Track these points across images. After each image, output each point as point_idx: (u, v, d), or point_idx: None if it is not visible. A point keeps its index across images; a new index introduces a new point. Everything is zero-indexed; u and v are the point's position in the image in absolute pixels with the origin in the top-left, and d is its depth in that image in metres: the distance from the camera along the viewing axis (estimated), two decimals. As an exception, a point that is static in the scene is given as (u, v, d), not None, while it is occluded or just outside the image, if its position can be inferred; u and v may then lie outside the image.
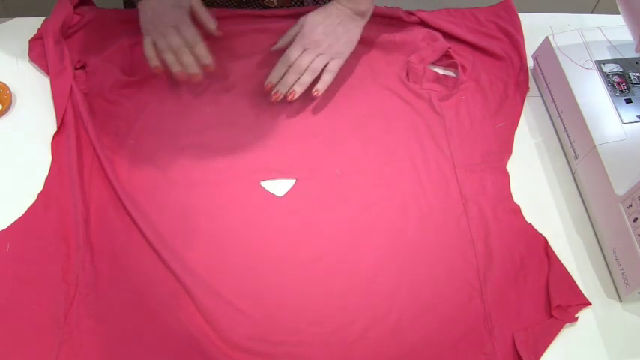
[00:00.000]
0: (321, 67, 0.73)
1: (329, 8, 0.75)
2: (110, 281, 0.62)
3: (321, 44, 0.73)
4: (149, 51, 0.71)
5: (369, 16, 0.77)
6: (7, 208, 0.65)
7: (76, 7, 0.80)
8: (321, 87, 0.73)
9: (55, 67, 0.74)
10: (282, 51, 0.74)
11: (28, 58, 0.77)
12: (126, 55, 0.77)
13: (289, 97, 0.72)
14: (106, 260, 0.63)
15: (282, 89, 0.72)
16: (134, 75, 0.76)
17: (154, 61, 0.71)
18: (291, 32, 0.75)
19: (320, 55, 0.73)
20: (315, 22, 0.74)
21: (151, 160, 0.70)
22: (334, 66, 0.74)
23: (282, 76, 0.73)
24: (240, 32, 0.81)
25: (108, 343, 0.59)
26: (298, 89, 0.72)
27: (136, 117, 0.73)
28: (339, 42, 0.74)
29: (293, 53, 0.73)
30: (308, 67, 0.72)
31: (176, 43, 0.70)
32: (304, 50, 0.73)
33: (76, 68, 0.73)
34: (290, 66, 0.72)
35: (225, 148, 0.72)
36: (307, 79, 0.73)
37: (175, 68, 0.71)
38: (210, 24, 0.73)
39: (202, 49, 0.71)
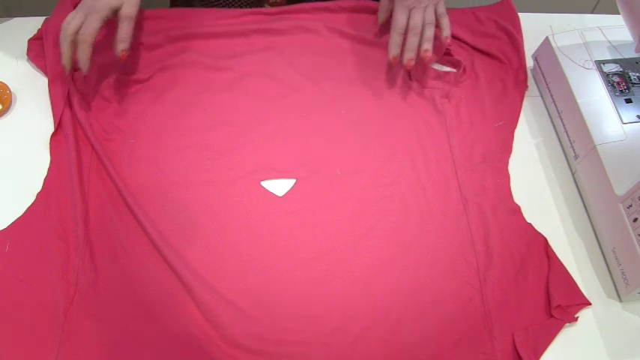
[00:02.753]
0: (434, 17, 0.75)
1: None
2: (110, 281, 0.62)
3: None
4: (65, 29, 0.69)
5: None
6: (6, 208, 0.65)
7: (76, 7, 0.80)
8: (447, 32, 0.76)
9: (53, 68, 0.74)
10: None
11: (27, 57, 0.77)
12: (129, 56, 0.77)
13: (426, 58, 0.73)
14: (105, 260, 0.63)
15: (411, 55, 0.73)
16: (135, 73, 0.76)
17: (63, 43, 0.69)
18: (383, 4, 0.78)
19: (426, 6, 0.74)
20: None
21: (150, 159, 0.70)
22: (442, 8, 0.76)
23: (403, 43, 0.74)
24: (241, 32, 0.81)
25: (108, 342, 0.59)
26: (428, 46, 0.73)
27: (135, 116, 0.73)
28: None
29: (401, 18, 0.74)
30: (423, 22, 0.74)
31: (72, 27, 0.68)
32: (410, 10, 0.74)
33: (75, 69, 0.73)
34: (405, 31, 0.74)
35: (225, 147, 0.72)
36: (430, 33, 0.74)
37: (64, 60, 0.69)
38: (119, 44, 0.70)
39: (82, 52, 0.68)
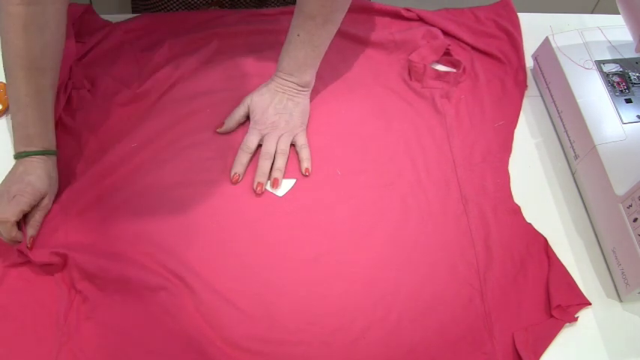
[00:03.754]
0: (288, 147, 0.71)
1: (271, 87, 0.72)
2: (109, 283, 0.61)
3: (278, 124, 0.71)
4: None
5: (312, 85, 0.73)
6: (7, 208, 0.65)
7: (80, 16, 0.80)
8: (308, 164, 0.70)
9: None
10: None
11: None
12: (133, 65, 0.77)
13: (272, 186, 0.68)
14: (105, 261, 0.63)
15: (262, 179, 0.68)
16: (141, 83, 0.75)
17: None
18: (236, 114, 0.72)
19: (282, 135, 0.71)
20: (264, 105, 0.71)
21: (151, 160, 0.70)
22: (302, 139, 0.71)
23: (246, 165, 0.69)
24: (240, 32, 0.81)
25: (108, 344, 0.59)
26: (279, 175, 0.69)
27: (138, 123, 0.72)
28: (294, 116, 0.72)
29: (252, 140, 0.70)
30: (276, 150, 0.70)
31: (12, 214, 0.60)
32: (263, 135, 0.71)
33: (80, 88, 0.74)
34: (253, 154, 0.70)
35: (226, 147, 0.72)
36: (282, 162, 0.70)
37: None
38: (30, 230, 0.62)
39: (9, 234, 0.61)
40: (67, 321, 0.59)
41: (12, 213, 0.60)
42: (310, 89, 0.74)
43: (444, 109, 0.77)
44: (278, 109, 0.72)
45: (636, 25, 0.70)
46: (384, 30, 0.83)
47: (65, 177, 0.68)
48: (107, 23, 0.81)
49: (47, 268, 0.62)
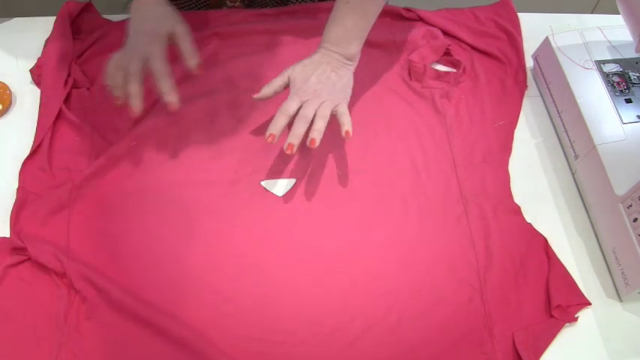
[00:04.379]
0: (329, 114, 0.67)
1: (315, 58, 0.69)
2: (109, 282, 0.61)
3: (320, 93, 0.67)
4: (110, 67, 0.67)
5: (357, 60, 0.71)
6: (6, 209, 0.65)
7: (78, 15, 0.80)
8: (349, 127, 0.66)
9: (47, 91, 0.73)
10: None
11: (28, 58, 0.77)
12: None
13: (310, 145, 0.65)
14: (104, 261, 0.63)
15: (294, 140, 0.64)
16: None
17: (107, 80, 0.67)
18: (275, 83, 0.69)
19: (323, 102, 0.67)
20: (307, 74, 0.68)
21: (151, 160, 0.70)
22: (344, 108, 0.68)
23: (281, 128, 0.66)
24: (240, 32, 0.81)
25: (108, 344, 0.59)
26: (318, 136, 0.65)
27: (138, 123, 0.72)
28: (336, 88, 0.68)
29: (292, 105, 0.66)
30: (316, 114, 0.66)
31: (133, 68, 0.65)
32: (303, 102, 0.67)
33: (80, 87, 0.74)
34: (290, 119, 0.66)
35: (226, 147, 0.72)
36: (322, 125, 0.65)
37: (115, 92, 0.67)
38: (192, 59, 0.68)
39: (166, 85, 0.65)
40: (67, 321, 0.59)
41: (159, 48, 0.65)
42: (355, 64, 0.71)
43: (444, 109, 0.77)
44: (321, 79, 0.68)
45: (636, 25, 0.70)
46: (384, 30, 0.83)
47: (67, 173, 0.68)
48: (107, 22, 0.81)
49: (47, 269, 0.61)
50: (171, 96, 0.66)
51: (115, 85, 0.67)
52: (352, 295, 0.63)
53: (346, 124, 0.66)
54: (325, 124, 0.66)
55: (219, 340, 0.59)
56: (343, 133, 0.66)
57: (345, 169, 0.71)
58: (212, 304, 0.61)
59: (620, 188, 0.64)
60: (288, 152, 0.64)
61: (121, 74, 0.66)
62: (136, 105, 0.66)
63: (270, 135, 0.65)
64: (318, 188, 0.70)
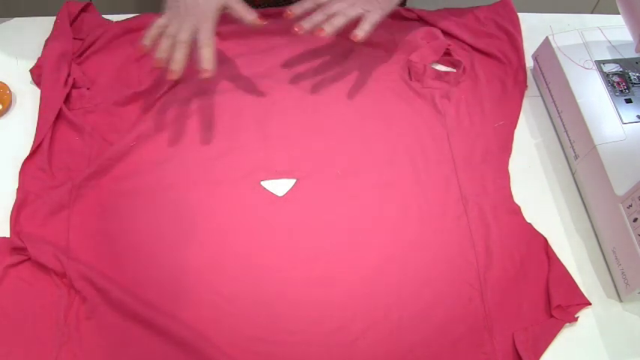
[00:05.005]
0: (355, 15, 0.66)
1: None
2: (109, 282, 0.61)
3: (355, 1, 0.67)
4: (154, 30, 0.66)
5: None
6: (6, 209, 0.65)
7: (78, 15, 0.80)
8: (361, 33, 0.66)
9: (47, 92, 0.73)
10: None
11: (28, 58, 0.77)
12: (133, 69, 0.77)
13: (316, 33, 0.65)
14: (105, 261, 0.63)
15: (306, 25, 0.65)
16: (140, 86, 0.75)
17: (147, 40, 0.66)
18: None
19: (355, 4, 0.66)
20: None
21: (151, 160, 0.70)
22: (374, 17, 0.67)
23: (304, 7, 0.66)
24: (240, 33, 0.81)
25: (108, 344, 0.59)
26: (329, 29, 0.65)
27: (135, 118, 0.73)
28: None
29: None
30: (339, 12, 0.66)
31: (183, 37, 0.65)
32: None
33: (80, 87, 0.74)
34: (319, 5, 0.66)
35: (226, 147, 0.72)
36: (340, 21, 0.65)
37: (160, 54, 0.66)
38: (249, 15, 0.66)
39: (208, 53, 0.65)
40: (67, 321, 0.59)
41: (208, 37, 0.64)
42: None
43: (444, 109, 0.77)
44: None
45: (636, 25, 0.70)
46: (384, 30, 0.83)
47: (67, 173, 0.68)
48: (107, 22, 0.81)
49: (47, 269, 0.61)
50: (209, 64, 0.65)
51: (159, 50, 0.66)
52: (352, 295, 0.63)
53: (361, 29, 0.66)
54: (344, 23, 0.65)
55: (219, 340, 0.59)
56: (352, 35, 0.66)
57: (344, 169, 0.71)
58: (212, 304, 0.61)
59: (620, 188, 0.64)
60: (293, 31, 0.65)
61: (168, 41, 0.65)
62: (177, 71, 0.65)
63: (290, 12, 0.66)
64: (318, 188, 0.70)
